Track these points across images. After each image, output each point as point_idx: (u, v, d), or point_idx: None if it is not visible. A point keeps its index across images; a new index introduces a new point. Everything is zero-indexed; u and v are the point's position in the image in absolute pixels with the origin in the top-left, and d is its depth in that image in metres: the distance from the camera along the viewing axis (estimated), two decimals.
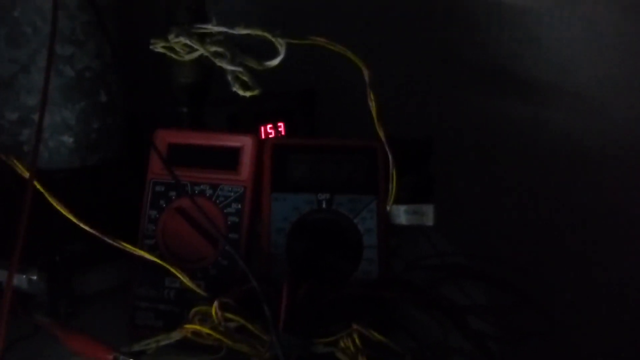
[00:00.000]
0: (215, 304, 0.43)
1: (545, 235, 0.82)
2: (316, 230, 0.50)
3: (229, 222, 0.51)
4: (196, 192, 0.51)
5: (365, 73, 0.45)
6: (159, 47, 0.47)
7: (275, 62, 0.44)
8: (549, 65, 0.80)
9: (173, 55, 0.48)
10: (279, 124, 0.75)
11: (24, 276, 0.48)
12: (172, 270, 0.47)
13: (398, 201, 0.52)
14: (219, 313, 0.43)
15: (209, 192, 0.51)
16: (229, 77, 0.46)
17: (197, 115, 0.61)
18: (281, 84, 0.70)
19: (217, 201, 0.51)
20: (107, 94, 0.60)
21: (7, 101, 0.55)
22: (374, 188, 0.51)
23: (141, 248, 0.49)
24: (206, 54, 0.45)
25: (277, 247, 0.50)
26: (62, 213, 0.46)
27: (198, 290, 0.47)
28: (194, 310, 0.44)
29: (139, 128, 0.60)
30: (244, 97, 0.51)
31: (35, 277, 0.48)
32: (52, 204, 0.47)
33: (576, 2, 0.77)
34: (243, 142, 0.52)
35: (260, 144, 0.52)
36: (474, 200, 0.83)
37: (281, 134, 0.75)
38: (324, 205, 0.51)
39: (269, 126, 0.74)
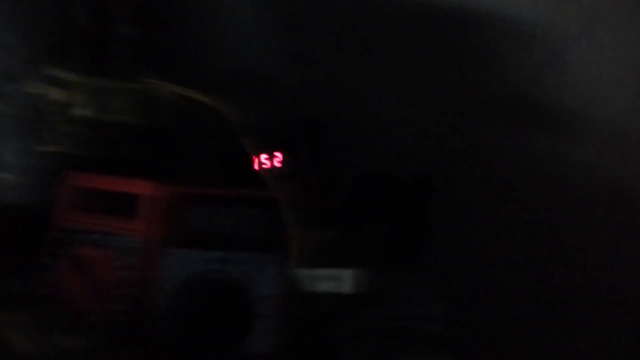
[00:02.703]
0: None
1: (570, 290, 0.68)
2: (203, 294, 0.44)
3: (119, 277, 0.47)
4: (91, 241, 0.48)
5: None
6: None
7: None
8: (575, 93, 0.66)
9: None
10: (276, 153, 0.69)
11: None
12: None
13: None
14: None
15: (103, 241, 0.48)
16: None
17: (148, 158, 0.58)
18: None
19: (110, 253, 0.47)
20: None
21: None
22: (275, 247, 0.44)
23: (34, 298, 0.47)
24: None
25: (161, 308, 0.45)
26: None
27: None
28: None
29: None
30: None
31: None
32: None
33: (608, 19, 0.63)
34: (143, 188, 0.48)
35: (163, 192, 0.48)
36: (488, 246, 0.71)
37: (278, 166, 0.69)
38: (215, 265, 0.45)
39: (263, 157, 0.69)
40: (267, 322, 0.43)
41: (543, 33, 0.66)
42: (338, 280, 0.44)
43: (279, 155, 0.67)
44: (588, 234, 0.69)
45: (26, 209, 0.57)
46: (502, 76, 0.66)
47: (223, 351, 0.43)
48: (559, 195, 0.69)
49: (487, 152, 0.70)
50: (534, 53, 0.64)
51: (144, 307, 0.45)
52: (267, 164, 0.67)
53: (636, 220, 0.66)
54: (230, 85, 0.69)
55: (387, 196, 0.61)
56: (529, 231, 0.70)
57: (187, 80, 0.59)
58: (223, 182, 0.48)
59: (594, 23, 0.65)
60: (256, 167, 0.66)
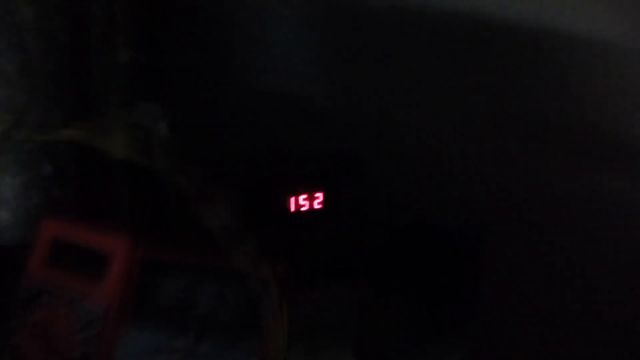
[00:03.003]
0: None
1: None
2: None
3: (82, 352, 0.39)
4: (58, 304, 0.42)
5: None
6: None
7: None
8: None
9: None
10: (317, 194, 0.61)
11: None
12: None
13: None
14: None
15: (70, 305, 0.41)
16: None
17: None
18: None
19: (76, 321, 0.40)
20: (54, 166, 0.54)
21: None
22: (258, 334, 0.35)
23: None
24: None
25: None
26: None
27: None
28: None
29: None
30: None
31: None
32: None
33: None
34: (115, 245, 0.40)
35: (136, 253, 0.40)
36: (561, 316, 0.57)
37: (318, 208, 0.60)
38: (180, 355, 0.36)
39: (302, 197, 0.60)
40: None
41: (620, 56, 0.53)
42: None
43: (319, 195, 0.58)
44: None
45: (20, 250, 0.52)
46: (578, 108, 0.53)
47: None
48: None
49: (561, 195, 0.56)
50: (614, 80, 0.50)
51: None
52: (306, 205, 0.58)
53: None
54: (268, 108, 0.62)
55: (429, 252, 0.51)
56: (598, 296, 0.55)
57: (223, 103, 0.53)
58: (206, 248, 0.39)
59: None
60: (292, 208, 0.58)
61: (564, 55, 0.51)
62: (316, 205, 0.58)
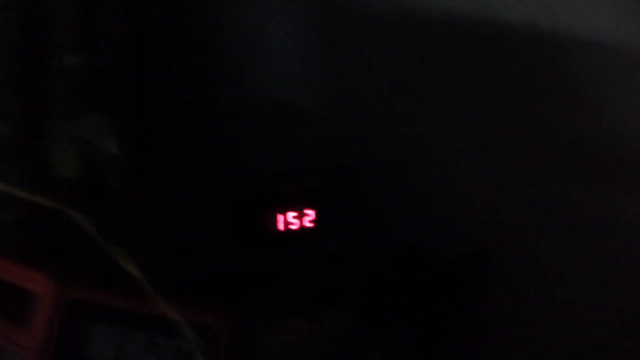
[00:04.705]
0: None
1: None
2: None
3: None
4: None
5: None
6: None
7: None
8: None
9: None
10: (307, 211, 0.56)
11: None
12: None
13: None
14: None
15: None
16: None
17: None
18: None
19: None
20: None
21: None
22: None
23: None
24: None
25: None
26: None
27: None
28: None
29: None
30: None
31: None
32: None
33: None
34: (38, 285, 0.35)
35: (63, 294, 0.35)
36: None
37: (308, 227, 0.55)
38: None
39: (291, 215, 0.55)
40: None
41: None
42: None
43: (310, 213, 0.53)
44: None
45: None
46: (588, 122, 0.47)
47: None
48: None
49: (573, 216, 0.50)
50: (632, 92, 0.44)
51: None
52: (296, 224, 0.53)
53: None
54: (258, 120, 0.58)
55: (425, 282, 0.46)
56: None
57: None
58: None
59: None
60: (281, 227, 0.53)
61: (569, 67, 0.45)
62: (307, 224, 0.53)
